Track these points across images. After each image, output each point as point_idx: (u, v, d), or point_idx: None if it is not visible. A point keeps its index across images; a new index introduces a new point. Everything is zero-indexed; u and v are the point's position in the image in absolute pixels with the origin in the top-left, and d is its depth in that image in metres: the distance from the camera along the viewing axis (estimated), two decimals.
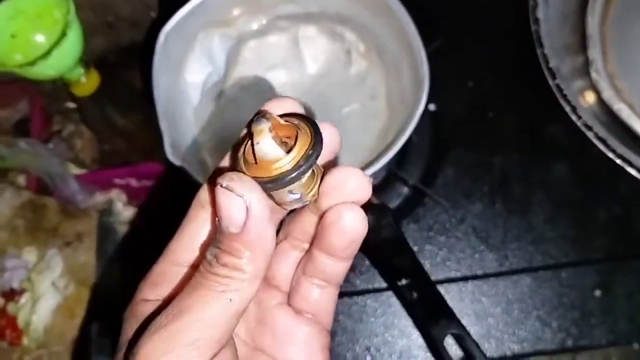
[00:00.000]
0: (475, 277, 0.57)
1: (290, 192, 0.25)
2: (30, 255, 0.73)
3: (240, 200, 0.23)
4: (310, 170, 0.25)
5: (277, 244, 0.27)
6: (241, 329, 0.29)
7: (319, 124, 0.25)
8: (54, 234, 0.74)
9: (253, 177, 0.24)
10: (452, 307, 0.56)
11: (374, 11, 0.56)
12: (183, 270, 0.26)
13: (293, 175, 0.24)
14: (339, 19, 0.60)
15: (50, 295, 0.70)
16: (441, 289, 0.56)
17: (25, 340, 0.70)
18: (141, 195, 0.77)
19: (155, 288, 0.26)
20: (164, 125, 0.52)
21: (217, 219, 0.23)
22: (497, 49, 0.62)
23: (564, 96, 0.48)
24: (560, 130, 0.60)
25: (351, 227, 0.26)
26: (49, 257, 0.72)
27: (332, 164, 0.27)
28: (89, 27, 0.81)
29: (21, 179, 0.79)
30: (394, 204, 0.60)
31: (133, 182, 0.78)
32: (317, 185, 0.26)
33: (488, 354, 0.55)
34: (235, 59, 0.61)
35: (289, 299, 0.29)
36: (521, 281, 0.56)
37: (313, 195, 0.26)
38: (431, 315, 0.44)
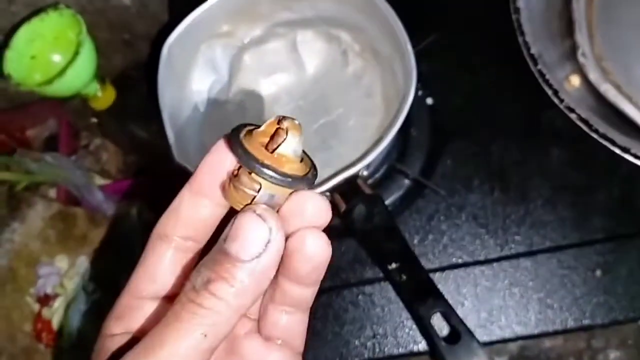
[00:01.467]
0: (476, 263, 0.58)
1: (273, 196, 0.25)
2: (61, 262, 0.78)
3: (267, 232, 0.23)
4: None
5: None
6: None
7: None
8: (83, 242, 0.79)
9: (264, 162, 0.24)
10: (455, 293, 0.58)
11: (365, 12, 0.59)
12: (146, 302, 0.26)
13: (303, 181, 0.25)
14: (334, 22, 0.63)
15: (81, 299, 0.75)
16: (443, 275, 0.59)
17: (60, 342, 0.75)
18: (161, 201, 0.81)
19: (120, 322, 0.26)
20: (170, 132, 0.56)
21: (224, 240, 0.23)
22: (491, 40, 0.64)
23: (546, 81, 0.50)
24: (556, 116, 0.60)
25: (314, 252, 0.25)
26: (79, 264, 0.77)
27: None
28: (108, 46, 0.86)
29: (51, 192, 0.85)
30: (395, 196, 0.62)
31: (154, 190, 0.82)
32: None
33: (492, 337, 0.56)
34: (237, 66, 0.64)
35: (259, 326, 0.29)
36: (521, 265, 0.58)
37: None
38: (419, 295, 0.46)
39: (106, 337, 0.26)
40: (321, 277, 0.27)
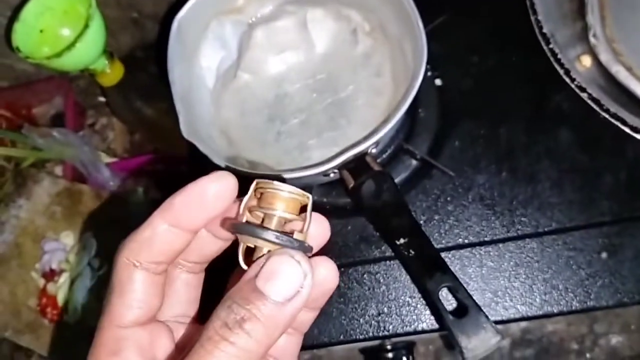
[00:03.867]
0: (482, 244, 0.58)
1: None
2: (67, 238, 0.78)
3: (302, 276, 0.24)
4: None
5: None
6: None
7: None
8: (89, 219, 0.79)
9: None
10: (460, 273, 0.58)
11: None
12: (130, 330, 0.27)
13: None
14: (345, 1, 0.63)
15: (86, 275, 0.75)
16: (449, 255, 0.59)
17: (65, 317, 0.75)
18: (167, 179, 0.81)
19: (116, 357, 0.26)
20: (179, 107, 0.56)
21: (255, 276, 0.24)
22: (501, 23, 0.64)
23: (558, 60, 0.49)
24: (565, 99, 0.61)
25: (325, 280, 0.28)
26: (84, 240, 0.77)
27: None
28: (116, 24, 0.86)
29: (58, 170, 0.85)
30: (402, 176, 0.62)
31: (160, 168, 0.82)
32: None
33: (497, 317, 0.56)
34: (247, 43, 0.64)
35: None
36: (528, 246, 0.58)
37: None
38: (426, 270, 0.46)
39: None
40: (324, 303, 0.29)
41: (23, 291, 0.77)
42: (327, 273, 0.28)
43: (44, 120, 0.90)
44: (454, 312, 0.45)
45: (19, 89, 0.91)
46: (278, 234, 0.26)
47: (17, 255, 0.79)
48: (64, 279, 0.75)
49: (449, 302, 0.47)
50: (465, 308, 0.45)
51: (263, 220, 0.27)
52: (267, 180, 0.28)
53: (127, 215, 0.78)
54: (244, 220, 0.27)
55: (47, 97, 0.90)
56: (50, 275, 0.76)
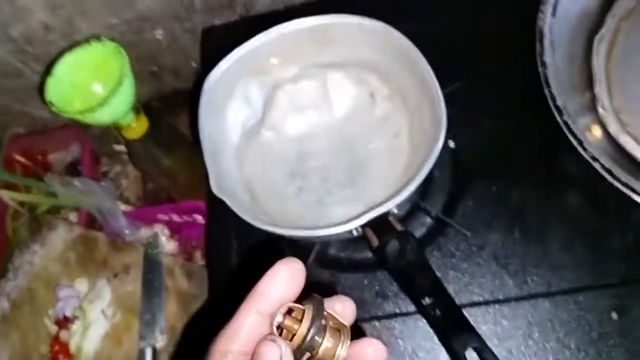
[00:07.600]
0: (496, 302, 0.60)
1: None
2: (81, 285, 0.79)
3: (279, 349, 0.29)
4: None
5: None
6: None
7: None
8: (103, 266, 0.80)
9: None
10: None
11: (396, 59, 0.62)
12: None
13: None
14: (365, 66, 0.66)
15: (99, 323, 0.76)
16: (464, 312, 0.60)
17: None
18: (183, 229, 0.83)
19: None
20: (209, 163, 0.58)
21: None
22: (511, 90, 0.67)
23: (572, 132, 0.53)
24: (572, 163, 0.63)
25: (372, 356, 0.32)
26: (98, 287, 0.78)
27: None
28: (136, 76, 0.89)
29: (73, 216, 0.86)
30: (418, 233, 0.64)
31: (175, 218, 0.84)
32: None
33: None
34: (271, 102, 0.67)
35: None
36: (540, 305, 0.60)
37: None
38: (453, 330, 0.48)
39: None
40: None
41: (34, 337, 0.78)
42: (374, 351, 0.32)
43: (59, 167, 0.92)
44: None
45: (36, 135, 0.93)
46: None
47: (30, 301, 0.80)
48: (77, 326, 0.76)
49: None
50: None
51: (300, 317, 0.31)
52: (333, 320, 0.32)
53: (141, 264, 0.79)
54: (286, 309, 0.31)
55: (63, 145, 0.92)
56: (64, 322, 0.77)
